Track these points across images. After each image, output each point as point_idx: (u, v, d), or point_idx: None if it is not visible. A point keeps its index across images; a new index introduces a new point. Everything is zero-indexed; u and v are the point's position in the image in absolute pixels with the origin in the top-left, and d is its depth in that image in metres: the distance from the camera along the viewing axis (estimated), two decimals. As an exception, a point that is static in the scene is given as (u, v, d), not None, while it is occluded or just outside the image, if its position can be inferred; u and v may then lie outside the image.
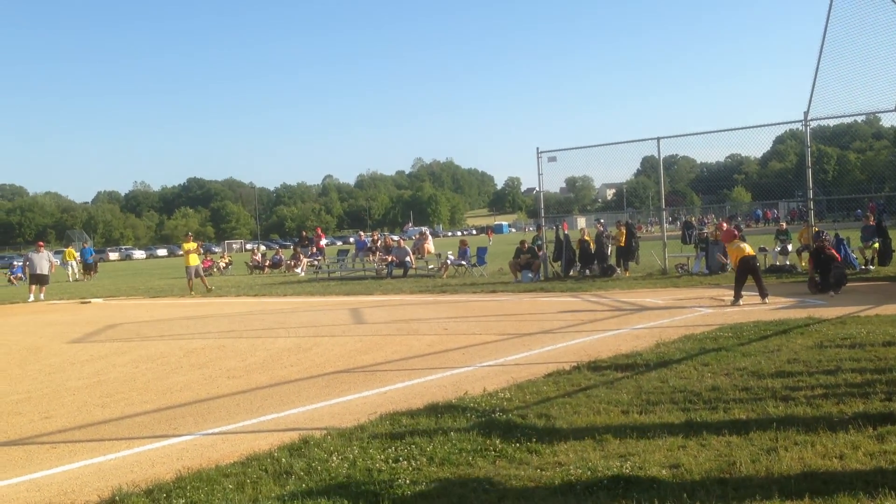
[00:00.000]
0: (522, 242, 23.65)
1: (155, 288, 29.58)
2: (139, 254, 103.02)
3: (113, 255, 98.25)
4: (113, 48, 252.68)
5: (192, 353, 12.10)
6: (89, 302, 24.41)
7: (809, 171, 19.95)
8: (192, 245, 26.69)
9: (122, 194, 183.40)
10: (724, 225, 21.79)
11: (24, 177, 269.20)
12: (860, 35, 17.70)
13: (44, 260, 27.26)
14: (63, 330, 16.45)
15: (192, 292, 25.28)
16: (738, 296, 14.13)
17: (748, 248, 14.52)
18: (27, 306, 24.47)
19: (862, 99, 18.75)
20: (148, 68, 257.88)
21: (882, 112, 19.30)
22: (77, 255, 41.97)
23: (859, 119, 79.32)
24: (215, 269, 38.63)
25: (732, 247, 14.65)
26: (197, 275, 25.79)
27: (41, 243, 30.71)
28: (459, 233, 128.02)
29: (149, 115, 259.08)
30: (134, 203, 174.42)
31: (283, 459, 5.74)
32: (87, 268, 41.01)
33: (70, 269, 40.31)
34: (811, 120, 19.09)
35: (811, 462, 5.01)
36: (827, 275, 15.23)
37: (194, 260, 26.16)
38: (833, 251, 15.92)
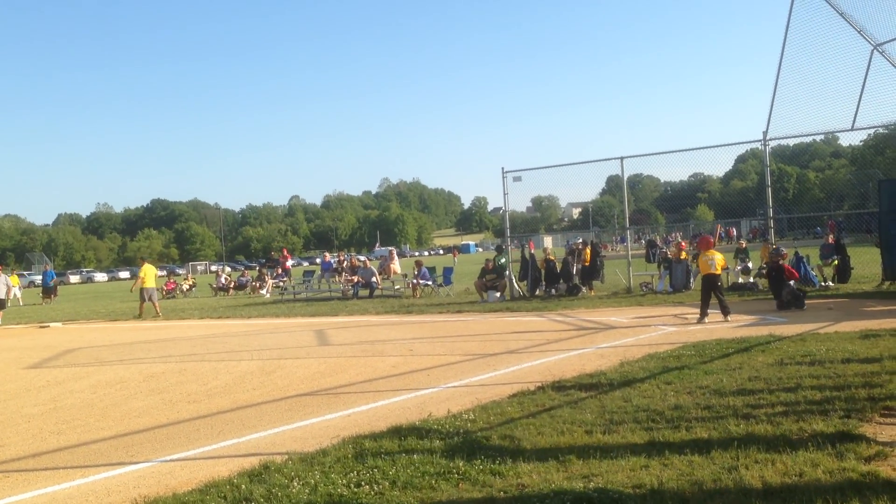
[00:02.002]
0: (487, 262, 23.64)
1: (116, 311, 29.09)
2: (101, 276, 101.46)
3: (74, 278, 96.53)
4: (73, 67, 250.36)
5: (152, 377, 11.88)
6: (48, 326, 23.94)
7: (769, 190, 20.28)
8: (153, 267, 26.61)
9: (84, 216, 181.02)
10: (684, 245, 22.08)
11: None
12: (818, 55, 18.13)
13: (1, 284, 26.74)
14: (20, 355, 16.08)
15: (145, 315, 25.19)
16: (703, 313, 14.24)
17: (715, 266, 14.51)
18: (-17, 331, 23.90)
19: (820, 118, 19.12)
20: (109, 88, 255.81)
21: (840, 131, 19.72)
22: (20, 281, 41.22)
23: (818, 138, 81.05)
24: (178, 292, 38.15)
25: (703, 258, 14.70)
26: (151, 298, 25.62)
27: (-1, 266, 30.05)
28: (427, 252, 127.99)
29: (112, 136, 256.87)
30: (96, 225, 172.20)
31: (243, 486, 5.63)
32: (48, 291, 40.32)
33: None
34: (770, 139, 19.45)
35: (772, 479, 5.03)
36: (780, 292, 15.43)
37: (154, 282, 26.05)
38: (786, 266, 16.10)
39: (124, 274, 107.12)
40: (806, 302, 15.45)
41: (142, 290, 25.54)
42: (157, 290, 26.01)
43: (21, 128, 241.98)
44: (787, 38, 18.21)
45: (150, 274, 25.87)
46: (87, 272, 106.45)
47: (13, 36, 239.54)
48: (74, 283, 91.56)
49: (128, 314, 26.49)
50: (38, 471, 6.83)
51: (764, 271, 20.17)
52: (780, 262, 16.01)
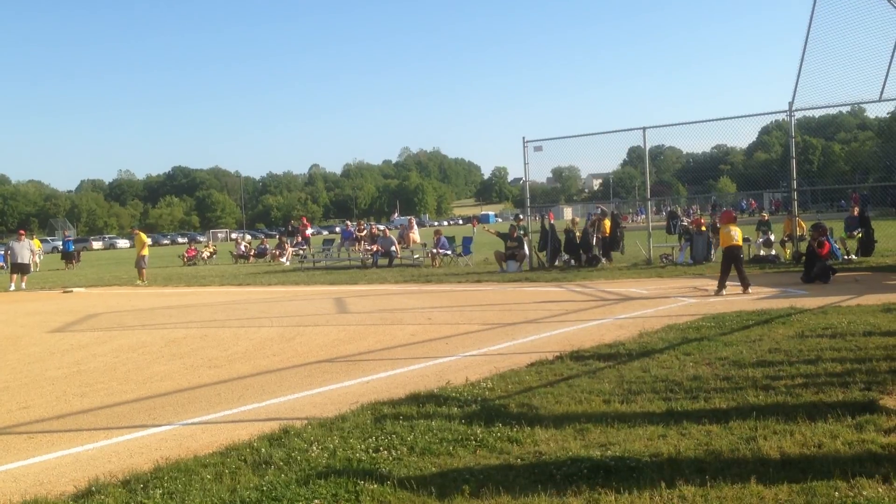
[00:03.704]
0: (512, 228, 23.49)
1: (138, 277, 29.35)
2: (123, 242, 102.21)
3: (96, 244, 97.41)
4: (97, 34, 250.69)
5: (173, 342, 12.02)
6: (71, 291, 24.23)
7: (794, 162, 20.02)
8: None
9: (107, 183, 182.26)
10: (703, 220, 21.89)
11: (6, 165, 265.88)
12: (845, 25, 17.76)
13: (24, 249, 27.07)
14: (44, 319, 16.31)
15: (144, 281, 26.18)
16: (721, 285, 14.16)
17: (737, 238, 14.46)
18: (7, 295, 24.24)
19: (847, 89, 18.81)
20: (132, 55, 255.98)
21: (867, 102, 19.33)
22: (42, 246, 41.91)
23: (844, 110, 79.48)
24: (199, 259, 38.44)
25: (724, 230, 14.61)
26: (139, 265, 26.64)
27: (22, 232, 30.43)
28: (446, 222, 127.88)
29: (134, 103, 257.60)
30: (118, 192, 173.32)
31: (263, 449, 5.70)
32: (68, 257, 40.80)
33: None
34: (796, 110, 19.19)
35: (790, 450, 5.02)
36: (812, 266, 15.34)
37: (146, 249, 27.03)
38: (826, 244, 15.94)
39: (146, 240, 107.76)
40: (831, 276, 15.33)
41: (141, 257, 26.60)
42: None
43: (44, 95, 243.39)
44: (815, 8, 17.85)
45: (144, 242, 26.83)
46: (110, 238, 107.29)
47: (37, 4, 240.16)
48: (97, 249, 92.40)
49: (148, 280, 26.74)
50: (62, 432, 6.95)
51: (788, 244, 20.03)
52: (822, 238, 15.84)
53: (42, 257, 40.80)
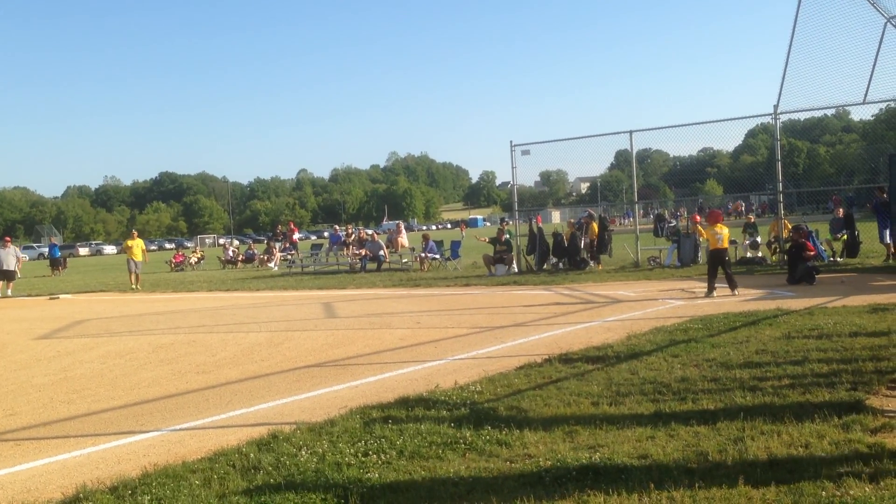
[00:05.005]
0: (500, 232, 23.53)
1: (125, 283, 29.11)
2: (110, 249, 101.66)
3: (83, 251, 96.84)
4: (83, 40, 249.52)
5: (161, 348, 11.97)
6: (58, 298, 24.10)
7: (779, 165, 20.15)
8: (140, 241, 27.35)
9: (93, 189, 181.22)
10: (697, 217, 21.96)
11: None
12: (829, 28, 17.90)
13: (10, 255, 26.93)
14: (30, 326, 16.21)
15: (135, 286, 25.94)
16: (711, 288, 14.21)
17: (723, 240, 14.48)
18: (-6, 302, 24.07)
19: (831, 92, 18.92)
20: (119, 61, 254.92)
21: (851, 105, 19.49)
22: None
23: (829, 113, 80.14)
24: (187, 265, 38.30)
25: (710, 232, 14.60)
26: (133, 269, 26.24)
27: (7, 238, 30.17)
28: (434, 227, 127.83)
29: (120, 109, 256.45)
30: (104, 198, 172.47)
31: (252, 454, 5.68)
32: (55, 263, 40.59)
33: None
34: (781, 113, 19.31)
35: (777, 451, 5.05)
36: (796, 268, 15.43)
37: (139, 255, 26.55)
38: (808, 244, 16.04)
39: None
40: (817, 276, 15.41)
41: (130, 260, 26.28)
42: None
43: (30, 101, 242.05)
44: (800, 11, 18.00)
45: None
46: (97, 244, 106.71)
47: (23, 10, 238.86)
48: (84, 256, 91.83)
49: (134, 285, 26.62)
50: (48, 439, 6.91)
51: (774, 246, 20.14)
52: (802, 240, 15.94)
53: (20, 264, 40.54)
